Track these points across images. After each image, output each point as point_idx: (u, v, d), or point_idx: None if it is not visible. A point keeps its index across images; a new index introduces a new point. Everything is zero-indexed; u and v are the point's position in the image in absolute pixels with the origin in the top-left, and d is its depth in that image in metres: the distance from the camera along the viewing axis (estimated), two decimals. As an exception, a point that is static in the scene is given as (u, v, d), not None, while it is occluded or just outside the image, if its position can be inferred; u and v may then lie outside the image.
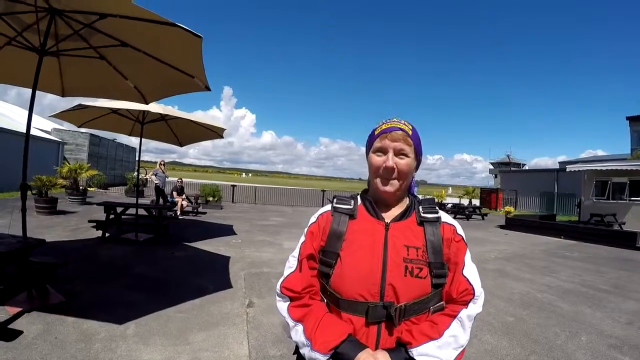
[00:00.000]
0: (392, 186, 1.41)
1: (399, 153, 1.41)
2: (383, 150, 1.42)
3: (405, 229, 1.41)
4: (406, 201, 1.51)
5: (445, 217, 1.49)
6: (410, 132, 1.43)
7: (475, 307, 1.38)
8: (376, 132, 1.46)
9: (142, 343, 3.73)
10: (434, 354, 1.27)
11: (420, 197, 1.58)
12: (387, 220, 1.44)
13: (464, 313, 1.35)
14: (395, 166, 1.39)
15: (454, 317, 1.34)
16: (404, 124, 1.44)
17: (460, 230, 1.48)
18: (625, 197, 17.23)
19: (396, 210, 1.47)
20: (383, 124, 1.46)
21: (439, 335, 1.30)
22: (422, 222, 1.44)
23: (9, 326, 3.78)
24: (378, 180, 1.43)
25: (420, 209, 1.46)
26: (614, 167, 16.92)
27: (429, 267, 1.35)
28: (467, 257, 1.44)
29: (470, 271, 1.42)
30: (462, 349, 1.33)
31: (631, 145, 28.49)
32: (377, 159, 1.43)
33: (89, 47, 4.80)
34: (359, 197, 1.55)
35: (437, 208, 1.49)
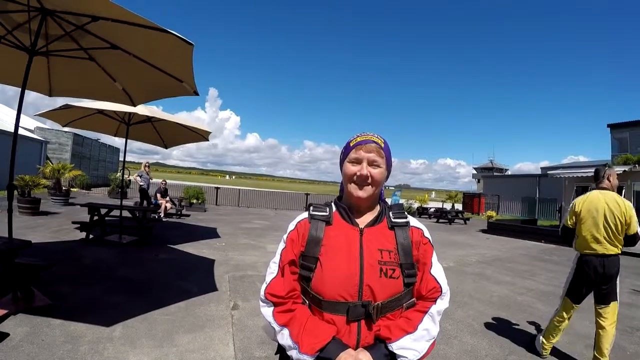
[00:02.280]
0: (366, 192, 1.51)
1: (372, 163, 1.52)
2: (358, 161, 1.53)
3: (378, 233, 1.53)
4: (377, 208, 1.62)
5: (414, 221, 1.61)
6: (382, 145, 1.56)
7: (443, 303, 1.51)
8: (351, 144, 1.56)
9: (129, 345, 3.75)
10: (410, 346, 1.39)
11: (402, 201, 1.66)
12: (361, 225, 1.54)
13: (434, 309, 1.48)
14: (369, 174, 1.50)
15: (425, 312, 1.47)
16: (377, 137, 1.56)
17: (427, 234, 1.60)
18: (604, 202, 17.60)
19: (369, 217, 1.58)
20: (358, 136, 1.57)
21: (413, 330, 1.42)
22: (392, 226, 1.55)
23: (-5, 328, 3.77)
24: (352, 186, 1.53)
25: (391, 215, 1.58)
26: (593, 173, 17.26)
27: (400, 268, 1.47)
28: (434, 258, 1.57)
29: (437, 270, 1.54)
30: (433, 340, 1.46)
31: (612, 152, 29.00)
32: (352, 167, 1.53)
33: (79, 48, 4.81)
34: (333, 204, 1.65)
35: (405, 213, 1.61)
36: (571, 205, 4.26)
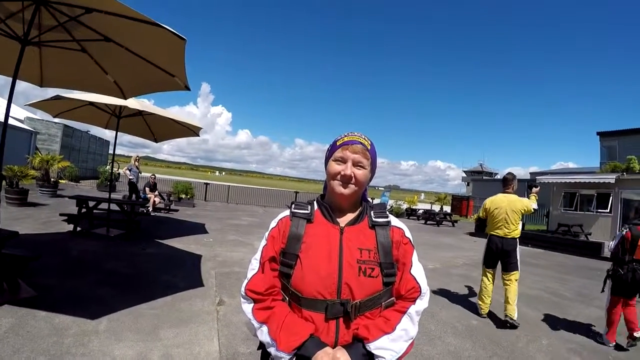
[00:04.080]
0: (349, 189, 1.52)
1: (356, 164, 1.53)
2: (343, 160, 1.54)
3: (358, 232, 1.54)
4: (359, 207, 1.63)
5: (395, 221, 1.62)
6: (369, 147, 1.57)
7: (422, 303, 1.53)
8: (338, 143, 1.58)
9: (114, 339, 3.75)
10: (387, 346, 1.41)
11: (391, 202, 1.68)
12: (342, 224, 1.56)
13: (412, 309, 1.49)
14: (352, 174, 1.51)
15: (404, 313, 1.49)
16: (365, 138, 1.58)
17: (408, 233, 1.61)
18: (592, 209, 17.82)
19: (350, 216, 1.59)
20: (345, 136, 1.59)
21: (391, 330, 1.44)
22: (373, 225, 1.56)
23: (-21, 319, 3.74)
24: (336, 183, 1.54)
25: (372, 214, 1.59)
26: (581, 180, 17.48)
27: (380, 267, 1.48)
28: (415, 258, 1.58)
29: (417, 270, 1.56)
30: (411, 340, 1.48)
31: (600, 159, 29.20)
32: (336, 166, 1.55)
33: (71, 39, 4.77)
34: (315, 202, 1.66)
35: (387, 213, 1.62)
36: (483, 203, 6.07)
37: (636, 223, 5.03)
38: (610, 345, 4.93)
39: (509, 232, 5.59)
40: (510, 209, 5.58)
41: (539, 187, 6.06)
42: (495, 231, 5.71)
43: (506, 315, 5.37)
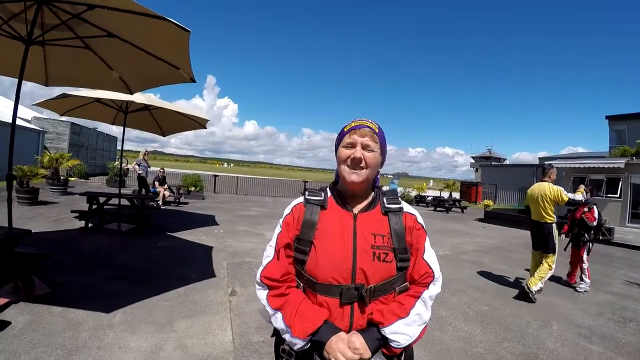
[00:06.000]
0: (359, 175, 1.53)
1: (365, 147, 1.54)
2: (352, 145, 1.55)
3: (372, 218, 1.56)
4: (372, 194, 1.65)
5: (407, 207, 1.64)
6: (376, 130, 1.58)
7: (435, 288, 1.54)
8: (346, 129, 1.59)
9: (129, 331, 3.81)
10: (402, 330, 1.43)
11: (400, 189, 1.69)
12: (355, 211, 1.58)
13: (426, 294, 1.51)
14: (362, 157, 1.52)
15: (418, 297, 1.50)
16: (372, 122, 1.59)
17: (420, 219, 1.63)
18: (602, 193, 17.67)
19: (363, 202, 1.61)
20: (352, 122, 1.60)
21: (406, 314, 1.45)
22: (386, 212, 1.58)
23: (-4, 317, 3.80)
24: (346, 170, 1.55)
25: (385, 200, 1.60)
26: (591, 165, 17.32)
27: (394, 252, 1.50)
28: (427, 243, 1.60)
29: (430, 256, 1.57)
30: (425, 324, 1.50)
31: (610, 144, 28.78)
32: (346, 151, 1.55)
33: (75, 37, 4.78)
34: (328, 189, 1.68)
35: (399, 199, 1.63)
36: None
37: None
38: (573, 285, 7.00)
39: (542, 218, 6.19)
40: (540, 196, 6.18)
41: (584, 185, 7.02)
42: (533, 216, 6.41)
43: (526, 285, 6.01)
